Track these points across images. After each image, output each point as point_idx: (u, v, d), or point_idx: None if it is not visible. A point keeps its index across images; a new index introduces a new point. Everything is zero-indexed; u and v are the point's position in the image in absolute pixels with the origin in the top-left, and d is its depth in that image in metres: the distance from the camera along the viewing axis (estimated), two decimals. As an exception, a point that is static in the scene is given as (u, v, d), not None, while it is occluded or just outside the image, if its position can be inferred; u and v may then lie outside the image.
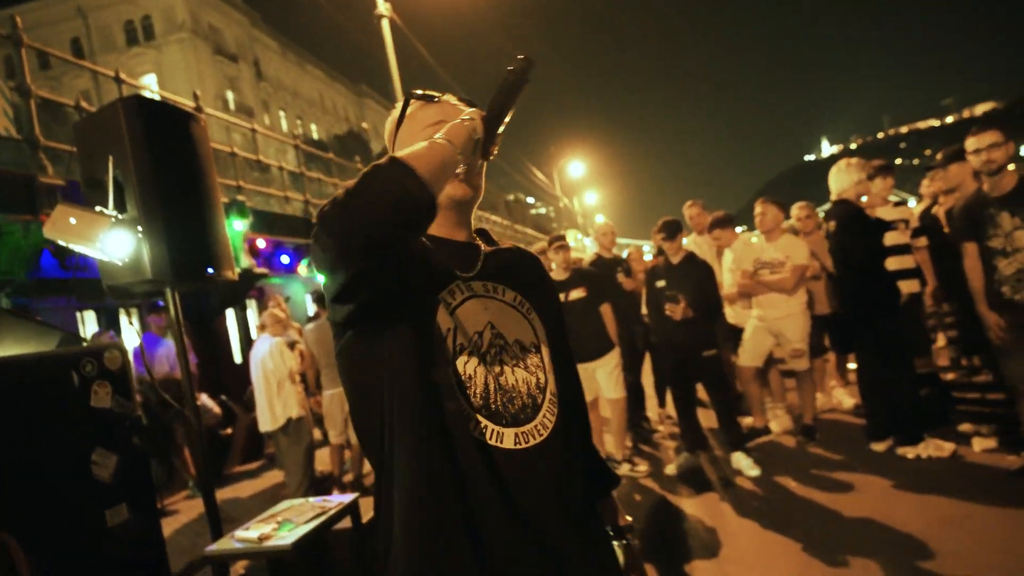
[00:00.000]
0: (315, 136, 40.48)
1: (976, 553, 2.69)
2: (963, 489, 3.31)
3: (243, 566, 3.59)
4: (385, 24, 12.37)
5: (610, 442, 4.89)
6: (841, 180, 4.15)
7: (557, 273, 4.74)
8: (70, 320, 5.28)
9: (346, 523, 2.70)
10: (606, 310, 4.81)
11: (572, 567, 0.98)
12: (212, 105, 32.57)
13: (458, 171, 1.00)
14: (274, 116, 39.95)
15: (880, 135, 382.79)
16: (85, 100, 5.66)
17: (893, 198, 5.00)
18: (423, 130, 1.07)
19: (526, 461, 0.99)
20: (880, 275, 4.09)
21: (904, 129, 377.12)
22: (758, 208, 4.57)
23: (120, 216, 2.16)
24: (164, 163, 2.30)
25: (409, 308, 0.99)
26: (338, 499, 2.73)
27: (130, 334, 6.50)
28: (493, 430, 0.98)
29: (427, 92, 1.14)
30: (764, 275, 4.45)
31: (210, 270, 2.38)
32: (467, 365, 1.00)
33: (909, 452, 3.91)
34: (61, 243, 2.13)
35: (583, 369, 4.61)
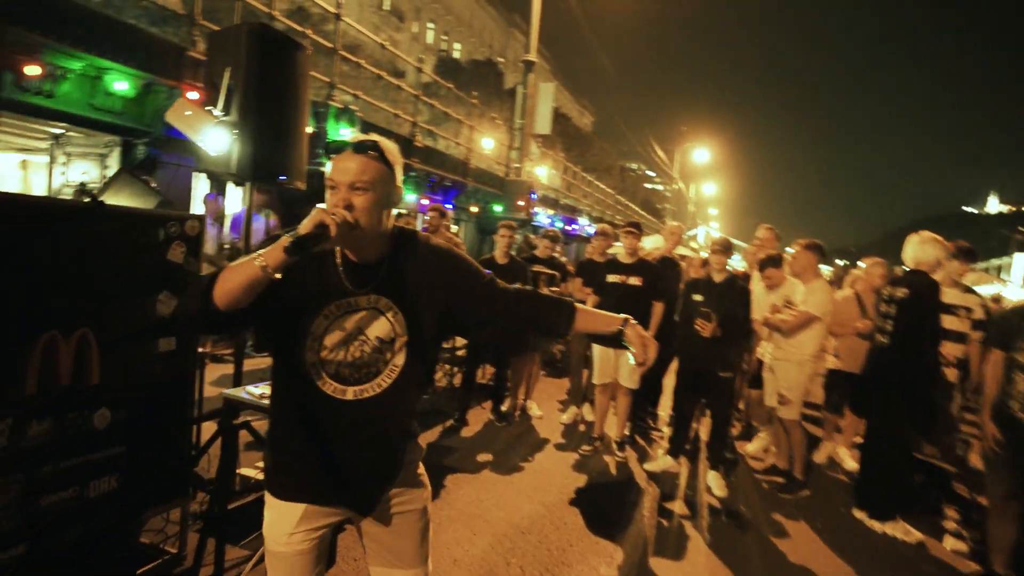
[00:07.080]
0: (456, 55, 40.92)
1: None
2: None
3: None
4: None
5: (611, 424, 5.18)
6: (922, 252, 4.02)
7: (623, 256, 4.96)
8: (186, 177, 6.10)
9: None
10: (658, 308, 4.94)
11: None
12: (371, 2, 33.58)
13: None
14: (423, 25, 40.62)
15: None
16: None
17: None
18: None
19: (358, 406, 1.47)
20: (928, 353, 4.03)
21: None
22: (793, 248, 4.56)
23: (223, 117, 2.65)
24: (268, 82, 2.76)
25: (289, 319, 1.43)
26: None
27: (232, 201, 7.39)
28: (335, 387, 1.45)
29: (337, 145, 1.41)
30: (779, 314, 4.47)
31: (282, 177, 2.86)
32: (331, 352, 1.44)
33: (877, 526, 3.97)
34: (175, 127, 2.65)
35: (610, 353, 4.88)
